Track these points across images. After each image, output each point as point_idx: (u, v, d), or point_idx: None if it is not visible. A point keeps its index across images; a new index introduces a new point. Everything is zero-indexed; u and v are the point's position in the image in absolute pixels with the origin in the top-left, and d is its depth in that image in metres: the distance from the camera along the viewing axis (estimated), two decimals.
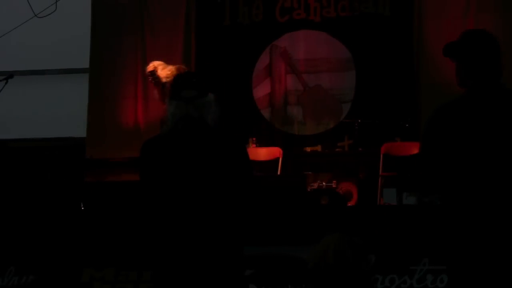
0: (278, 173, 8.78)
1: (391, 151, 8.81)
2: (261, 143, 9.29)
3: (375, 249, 5.77)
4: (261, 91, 9.67)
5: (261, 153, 8.98)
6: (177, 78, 3.98)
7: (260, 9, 9.70)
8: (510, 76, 4.12)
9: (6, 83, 7.43)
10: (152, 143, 3.90)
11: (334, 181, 8.49)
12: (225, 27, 9.76)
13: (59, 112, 8.36)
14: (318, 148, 9.37)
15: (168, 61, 9.67)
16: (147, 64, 9.77)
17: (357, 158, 8.87)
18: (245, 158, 3.89)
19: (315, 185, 8.35)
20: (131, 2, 9.89)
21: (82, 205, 7.35)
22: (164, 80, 7.16)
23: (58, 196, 7.39)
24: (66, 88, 8.19)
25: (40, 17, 8.40)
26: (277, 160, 8.93)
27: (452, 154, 3.61)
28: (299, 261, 6.08)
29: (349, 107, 9.41)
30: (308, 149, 9.38)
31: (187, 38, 9.76)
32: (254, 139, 9.21)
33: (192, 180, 3.77)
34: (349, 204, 8.29)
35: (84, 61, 8.17)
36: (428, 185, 3.78)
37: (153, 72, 7.31)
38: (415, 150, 8.75)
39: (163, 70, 7.29)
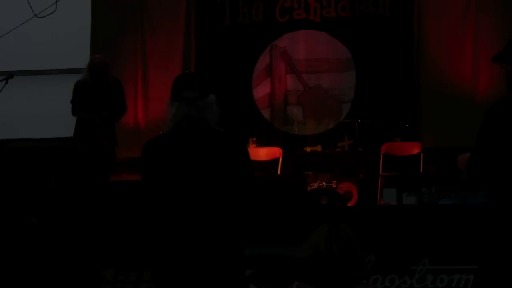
0: (278, 173, 8.79)
1: (391, 151, 8.82)
2: (261, 143, 9.30)
3: (375, 249, 5.78)
4: (261, 91, 9.67)
5: (261, 153, 8.99)
6: (178, 79, 3.96)
7: (260, 9, 9.70)
8: None
9: (6, 83, 7.42)
10: (155, 143, 3.89)
11: (334, 181, 8.51)
12: (225, 28, 9.77)
13: (59, 112, 8.35)
14: (318, 148, 9.37)
15: (168, 61, 9.71)
16: (148, 64, 9.81)
17: (357, 158, 8.88)
18: (247, 159, 3.88)
19: (315, 185, 8.36)
20: (131, 2, 9.89)
21: (82, 205, 7.35)
22: None
23: (58, 196, 7.39)
24: (66, 88, 8.18)
25: (40, 17, 8.38)
26: (277, 160, 8.94)
27: (505, 150, 3.52)
28: (299, 261, 6.08)
29: (349, 107, 9.42)
30: (308, 149, 9.38)
31: (187, 38, 9.77)
32: (254, 139, 9.22)
33: (194, 181, 3.77)
34: (349, 204, 8.29)
35: (84, 61, 8.16)
36: (476, 178, 3.68)
37: None
38: (415, 150, 8.77)
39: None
